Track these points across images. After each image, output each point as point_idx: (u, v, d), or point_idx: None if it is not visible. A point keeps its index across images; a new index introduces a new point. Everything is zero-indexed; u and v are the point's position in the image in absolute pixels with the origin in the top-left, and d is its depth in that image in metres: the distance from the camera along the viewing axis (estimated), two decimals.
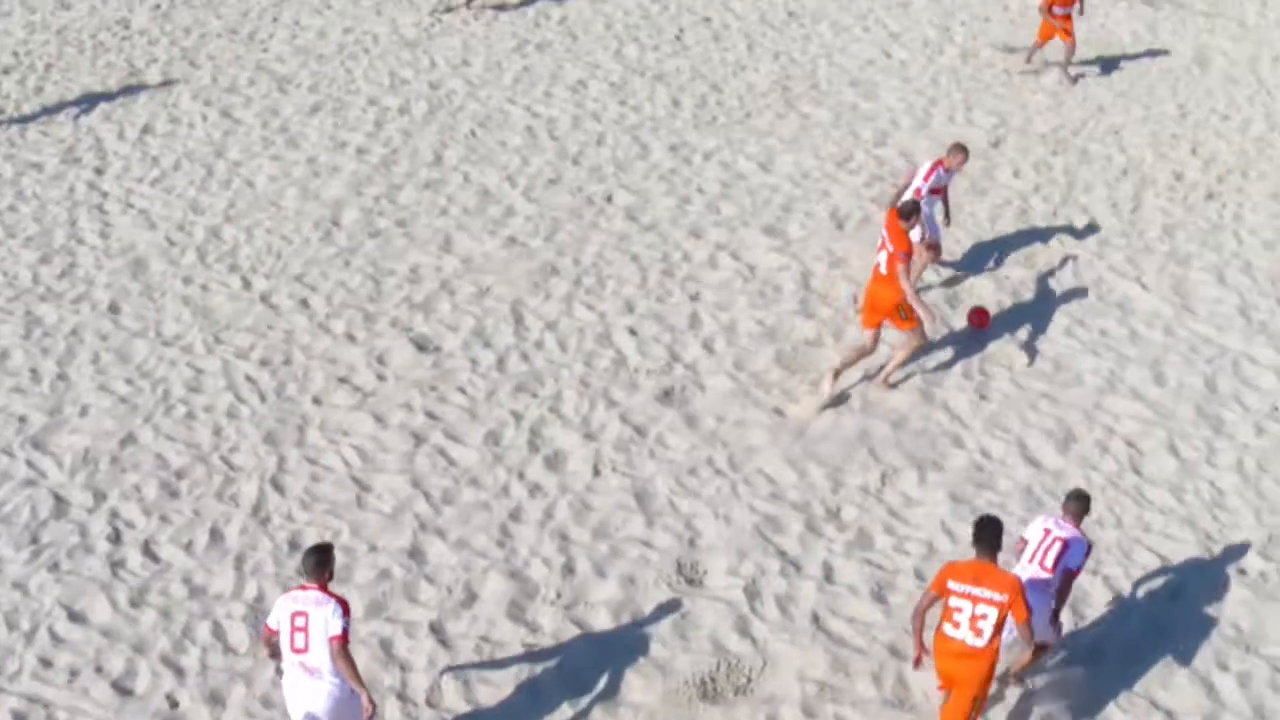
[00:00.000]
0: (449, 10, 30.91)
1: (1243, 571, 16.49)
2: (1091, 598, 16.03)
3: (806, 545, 16.67)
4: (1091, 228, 23.37)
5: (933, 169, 20.84)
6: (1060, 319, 20.80)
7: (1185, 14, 32.67)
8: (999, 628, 13.42)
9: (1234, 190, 24.83)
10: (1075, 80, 28.28)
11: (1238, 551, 16.76)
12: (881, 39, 30.65)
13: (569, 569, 16.26)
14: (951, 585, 13.57)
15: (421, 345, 19.96)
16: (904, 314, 18.59)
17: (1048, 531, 14.49)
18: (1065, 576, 14.34)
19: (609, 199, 23.76)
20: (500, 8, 31.02)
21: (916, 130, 26.46)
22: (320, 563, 13.22)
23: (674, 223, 23.07)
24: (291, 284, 21.26)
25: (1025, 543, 14.66)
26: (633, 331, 20.33)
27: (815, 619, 15.67)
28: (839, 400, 18.99)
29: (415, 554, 16.43)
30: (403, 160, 24.85)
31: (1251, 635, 15.70)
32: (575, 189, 24.00)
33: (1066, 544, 14.37)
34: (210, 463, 17.77)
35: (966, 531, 16.41)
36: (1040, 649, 14.62)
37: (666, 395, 19.10)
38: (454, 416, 18.60)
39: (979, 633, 13.41)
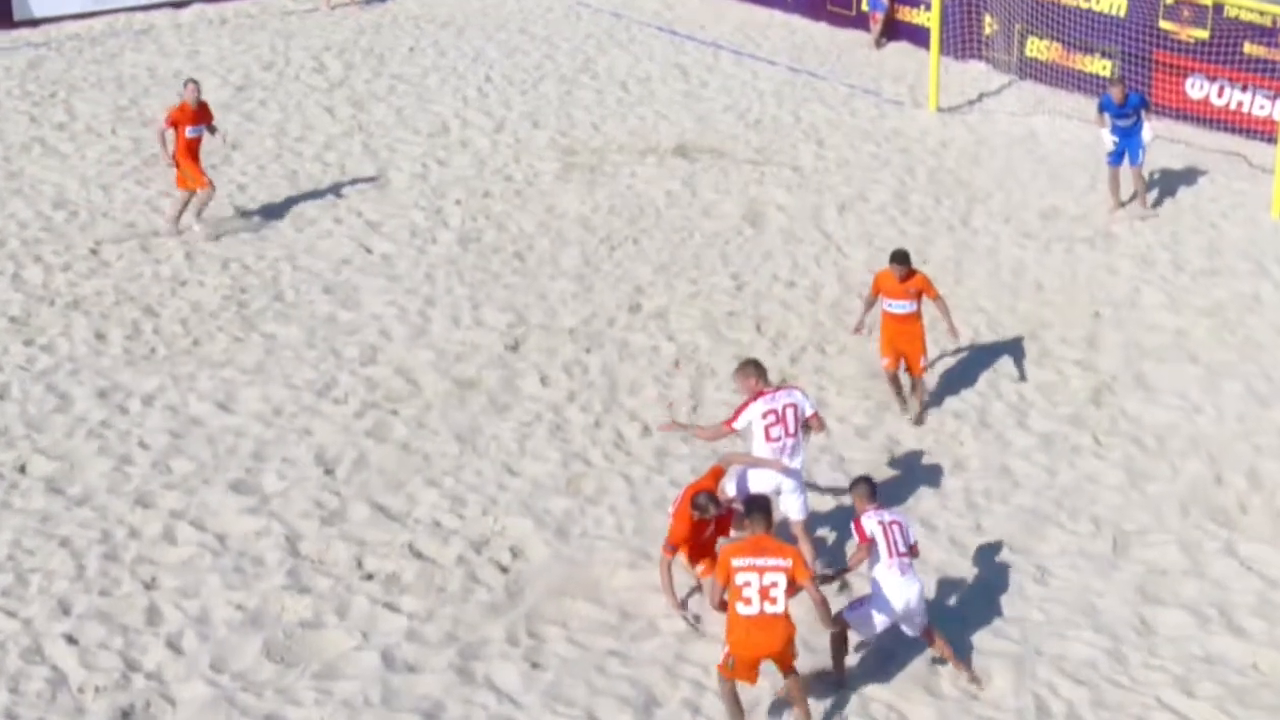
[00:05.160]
0: None
1: None
2: None
3: None
4: (621, 438, 23.90)
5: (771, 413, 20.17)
6: (620, 554, 20.92)
7: (727, 163, 34.58)
8: (789, 593, 16.61)
9: (812, 370, 25.73)
10: None
11: None
12: (358, 231, 31.30)
13: None
14: (735, 563, 16.67)
15: None
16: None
17: (881, 523, 18.02)
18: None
19: (22, 469, 23.11)
20: None
21: (414, 339, 26.80)
22: None
23: (113, 491, 22.50)
24: None
25: (870, 541, 18.14)
26: (71, 639, 19.51)
27: None
28: None
29: None
30: None
31: None
32: None
33: (900, 523, 18.18)
34: None
35: None
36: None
37: (125, 718, 18.38)
38: None
39: (774, 600, 16.55)
